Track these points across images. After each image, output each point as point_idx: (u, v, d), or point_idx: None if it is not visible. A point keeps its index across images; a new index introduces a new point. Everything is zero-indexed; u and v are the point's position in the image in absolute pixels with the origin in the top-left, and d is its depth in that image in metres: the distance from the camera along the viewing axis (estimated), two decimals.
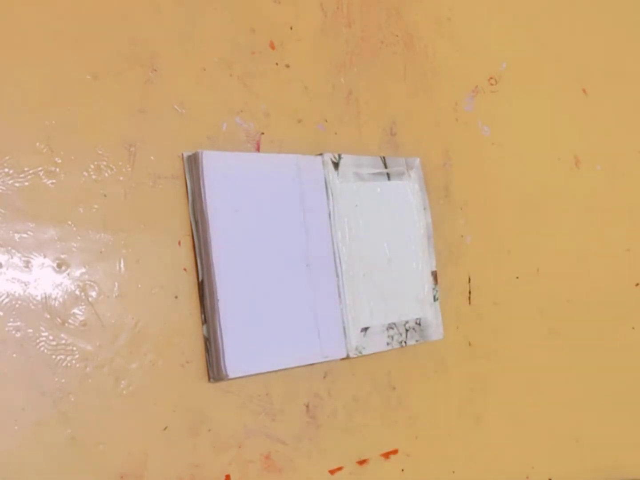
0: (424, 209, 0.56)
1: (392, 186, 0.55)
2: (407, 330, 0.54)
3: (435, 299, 0.56)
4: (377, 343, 0.52)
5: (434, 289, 0.56)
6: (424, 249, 0.56)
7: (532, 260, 0.64)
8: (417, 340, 0.54)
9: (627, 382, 0.68)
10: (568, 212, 0.67)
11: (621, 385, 0.68)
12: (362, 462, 0.52)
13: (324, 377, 0.50)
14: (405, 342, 0.53)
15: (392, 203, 0.55)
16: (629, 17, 0.75)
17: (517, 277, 0.62)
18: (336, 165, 0.52)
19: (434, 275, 0.56)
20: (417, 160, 0.56)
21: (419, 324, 0.55)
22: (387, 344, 0.53)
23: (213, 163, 0.46)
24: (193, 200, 0.46)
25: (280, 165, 0.49)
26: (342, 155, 0.52)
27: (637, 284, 0.70)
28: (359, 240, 0.53)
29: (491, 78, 0.64)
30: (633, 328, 0.70)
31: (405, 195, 0.56)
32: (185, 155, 0.46)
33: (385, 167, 0.55)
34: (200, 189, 0.45)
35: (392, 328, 0.53)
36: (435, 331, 0.55)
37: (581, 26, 0.71)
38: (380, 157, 0.54)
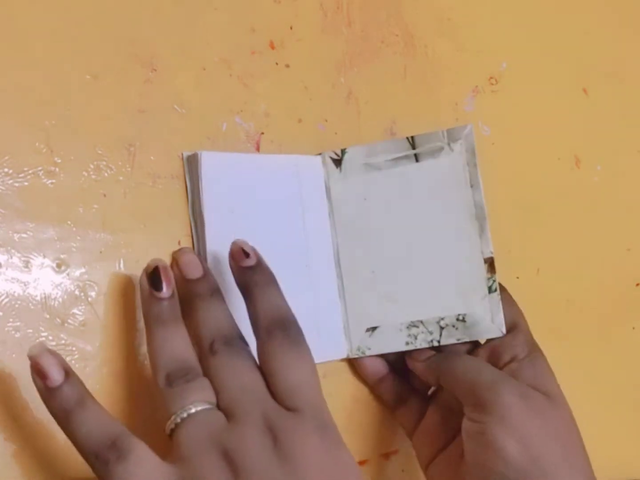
0: (472, 185, 0.49)
1: (422, 167, 0.50)
2: (442, 328, 0.50)
3: (491, 290, 0.48)
4: (389, 343, 0.50)
5: (489, 278, 0.49)
6: (470, 233, 0.49)
7: (532, 260, 0.64)
8: (458, 339, 0.49)
9: (627, 382, 0.68)
10: (568, 212, 0.67)
11: (621, 385, 0.68)
12: (362, 462, 0.52)
13: (324, 377, 0.50)
14: (439, 342, 0.50)
15: (419, 187, 0.50)
16: (630, 16, 0.75)
17: (517, 277, 0.62)
18: (338, 162, 0.51)
19: (490, 262, 0.49)
20: (468, 128, 0.49)
21: (463, 320, 0.49)
22: (407, 343, 0.50)
23: (212, 163, 0.46)
24: (192, 201, 0.46)
25: (280, 166, 0.49)
26: (348, 149, 0.51)
27: (637, 284, 0.70)
28: (367, 236, 0.50)
29: (491, 78, 0.64)
30: (633, 328, 0.70)
31: (440, 175, 0.49)
32: (185, 155, 0.46)
33: (414, 147, 0.50)
34: (198, 189, 0.45)
35: (417, 326, 0.50)
36: (489, 328, 0.49)
37: (582, 26, 0.71)
38: (408, 138, 0.50)
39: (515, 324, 0.50)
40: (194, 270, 0.41)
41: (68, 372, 0.34)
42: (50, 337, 0.40)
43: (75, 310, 0.41)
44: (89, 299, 0.42)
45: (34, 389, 0.34)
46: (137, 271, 0.43)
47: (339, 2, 0.55)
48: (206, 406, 0.36)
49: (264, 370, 0.38)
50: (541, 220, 0.65)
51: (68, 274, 0.41)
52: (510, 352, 0.49)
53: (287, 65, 0.52)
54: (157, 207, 0.45)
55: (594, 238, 0.68)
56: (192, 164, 0.46)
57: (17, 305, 0.39)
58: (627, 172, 0.72)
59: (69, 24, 0.43)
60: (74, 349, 0.41)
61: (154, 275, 0.38)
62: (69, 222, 0.42)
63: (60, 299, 0.41)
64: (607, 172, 0.70)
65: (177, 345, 0.37)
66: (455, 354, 0.50)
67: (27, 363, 0.34)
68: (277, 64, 0.52)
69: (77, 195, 0.42)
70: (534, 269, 0.64)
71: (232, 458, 0.34)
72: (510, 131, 0.64)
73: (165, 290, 0.38)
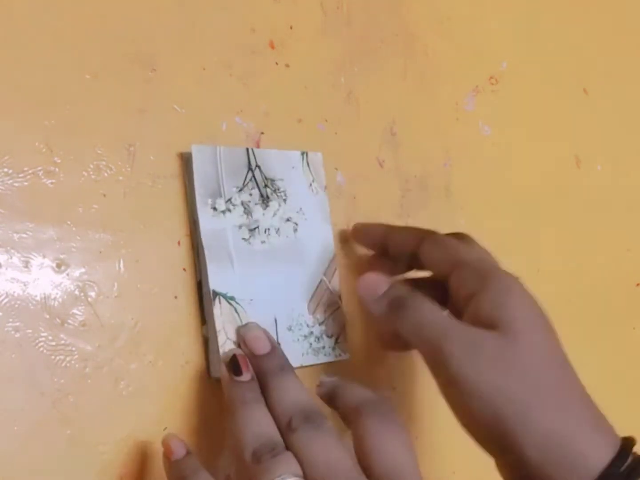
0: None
1: None
2: None
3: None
4: None
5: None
6: None
7: (532, 260, 0.64)
8: None
9: (627, 382, 0.68)
10: (568, 212, 0.67)
11: (621, 385, 0.68)
12: None
13: None
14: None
15: None
16: (630, 16, 0.75)
17: (518, 278, 0.62)
18: None
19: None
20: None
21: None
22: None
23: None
24: (191, 200, 0.46)
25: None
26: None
27: (637, 284, 0.70)
28: None
29: (492, 77, 0.64)
30: (634, 328, 0.70)
31: None
32: (184, 154, 0.46)
33: None
34: (192, 185, 0.45)
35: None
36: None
37: (582, 26, 0.71)
38: None
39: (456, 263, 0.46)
40: (261, 346, 0.43)
41: (188, 451, 0.40)
42: (50, 337, 0.40)
43: (75, 311, 0.41)
44: (89, 299, 0.42)
45: (33, 388, 0.34)
46: (136, 271, 0.43)
47: (339, 2, 0.55)
48: (295, 479, 0.37)
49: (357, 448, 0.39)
50: (541, 220, 0.65)
51: (68, 274, 0.41)
52: (464, 291, 0.45)
53: (287, 65, 0.52)
54: (157, 207, 0.45)
55: (594, 238, 0.68)
56: (189, 163, 0.46)
57: (16, 305, 0.39)
58: (627, 172, 0.72)
59: (68, 24, 0.43)
60: (73, 349, 0.41)
61: (233, 363, 0.41)
62: (68, 222, 0.42)
63: (60, 299, 0.41)
64: (607, 172, 0.70)
65: (261, 422, 0.39)
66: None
67: (27, 363, 0.34)
68: (277, 63, 0.52)
69: (76, 196, 0.42)
70: (534, 269, 0.64)
71: None
72: (510, 131, 0.64)
73: (245, 375, 0.41)
